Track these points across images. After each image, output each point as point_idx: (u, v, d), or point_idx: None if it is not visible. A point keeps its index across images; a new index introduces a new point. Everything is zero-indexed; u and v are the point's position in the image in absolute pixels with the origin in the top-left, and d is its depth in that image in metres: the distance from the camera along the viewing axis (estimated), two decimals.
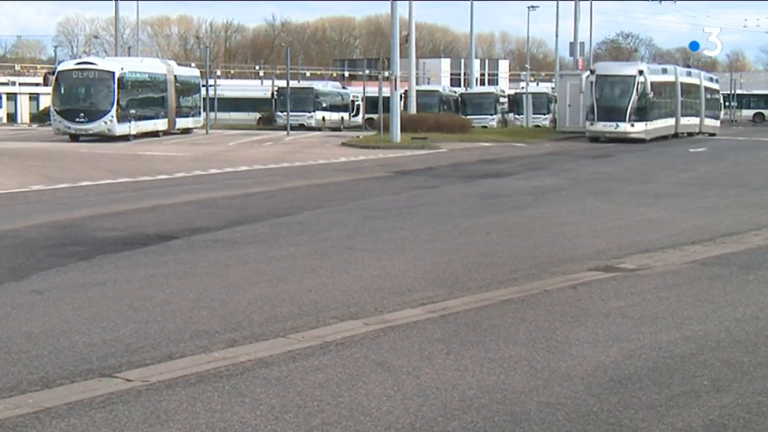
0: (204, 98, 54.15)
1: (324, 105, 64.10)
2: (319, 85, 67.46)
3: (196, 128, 52.61)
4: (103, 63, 45.22)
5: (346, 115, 67.33)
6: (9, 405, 6.50)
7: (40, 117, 64.30)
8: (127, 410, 6.39)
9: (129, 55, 63.92)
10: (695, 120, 55.13)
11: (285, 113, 54.70)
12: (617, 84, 46.20)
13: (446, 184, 23.85)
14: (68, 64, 45.73)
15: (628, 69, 47.75)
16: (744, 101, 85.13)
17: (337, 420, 6.25)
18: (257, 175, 26.21)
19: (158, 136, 46.50)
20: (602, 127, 45.43)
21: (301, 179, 24.73)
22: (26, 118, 69.60)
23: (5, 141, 41.90)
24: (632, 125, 45.32)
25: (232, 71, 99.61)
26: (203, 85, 54.68)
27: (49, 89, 47.90)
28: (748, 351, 8.07)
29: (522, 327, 8.80)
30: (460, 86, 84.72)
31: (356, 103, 68.25)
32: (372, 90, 61.99)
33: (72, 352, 7.79)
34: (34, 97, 71.96)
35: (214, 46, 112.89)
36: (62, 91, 42.85)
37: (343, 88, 72.65)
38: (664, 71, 52.31)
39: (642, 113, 46.05)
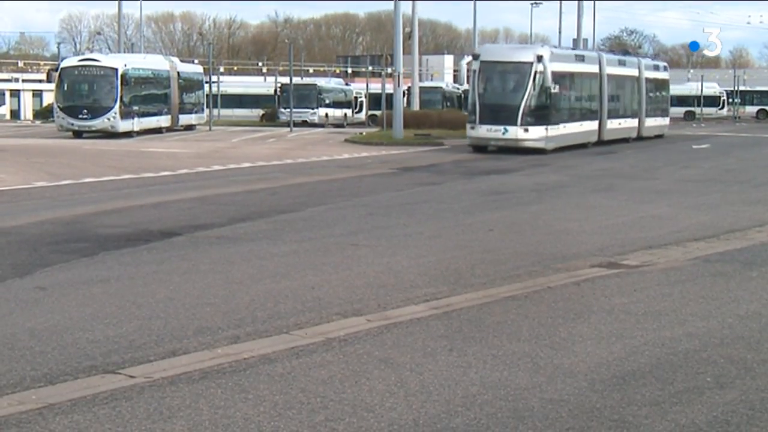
0: (207, 95, 54.18)
1: (327, 102, 64.05)
2: (321, 82, 67.43)
3: (199, 125, 52.62)
4: (107, 59, 45.23)
5: (349, 112, 67.30)
6: (12, 401, 6.51)
7: (43, 114, 64.38)
8: (131, 407, 6.40)
9: (132, 52, 63.92)
10: (630, 122, 44.22)
11: (288, 110, 54.69)
12: (508, 74, 34.54)
13: (449, 180, 23.83)
14: (71, 61, 45.75)
15: (521, 54, 35.09)
16: (747, 98, 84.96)
17: (340, 416, 6.25)
18: (260, 171, 26.21)
19: (161, 132, 46.51)
20: (486, 132, 33.85)
21: (304, 176, 24.74)
22: (29, 115, 69.68)
23: (8, 138, 41.93)
24: (526, 130, 33.49)
25: (235, 68, 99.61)
26: (206, 82, 54.69)
27: (53, 86, 47.90)
28: (751, 347, 8.06)
29: (525, 323, 8.79)
30: (463, 83, 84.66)
31: (359, 99, 68.21)
32: (375, 87, 61.96)
33: (75, 349, 7.80)
34: (38, 94, 72.05)
35: (217, 42, 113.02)
36: (65, 88, 42.88)
37: (346, 84, 72.59)
38: (580, 59, 39.58)
39: (541, 114, 34.09)
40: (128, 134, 42.69)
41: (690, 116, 75.21)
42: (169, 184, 22.22)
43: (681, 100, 76.79)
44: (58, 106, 43.11)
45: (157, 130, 46.36)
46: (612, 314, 9.21)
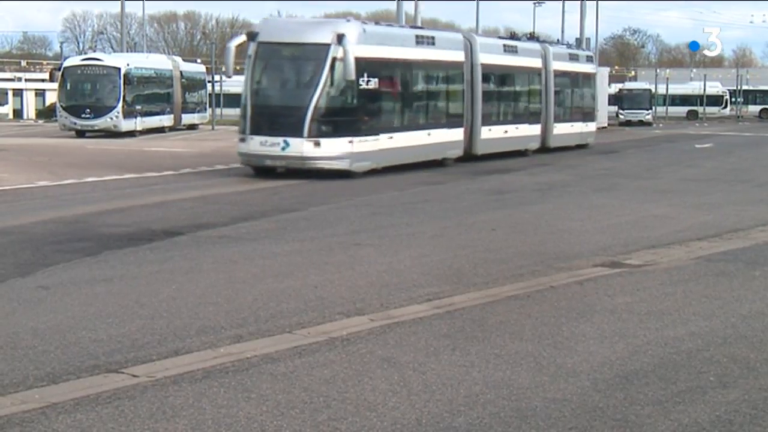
0: (210, 94, 54.15)
1: None
2: None
3: (201, 124, 52.59)
4: (109, 59, 45.24)
5: None
6: (15, 400, 6.51)
7: (46, 113, 64.33)
8: (134, 406, 6.40)
9: (135, 51, 63.93)
10: (524, 129, 32.75)
11: None
12: (296, 61, 23.88)
13: (452, 180, 23.82)
14: (74, 60, 45.76)
15: (315, 31, 23.55)
16: (750, 97, 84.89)
17: (343, 416, 6.25)
18: None
19: (164, 132, 46.48)
20: (259, 146, 22.92)
21: (303, 175, 24.69)
22: (32, 114, 69.67)
23: (11, 137, 41.94)
24: (316, 144, 22.72)
25: (237, 67, 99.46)
26: (209, 81, 54.67)
27: (55, 85, 47.88)
28: (754, 347, 8.06)
29: (528, 323, 8.79)
30: None
31: None
32: None
33: (78, 348, 7.80)
34: (40, 93, 72.01)
35: (220, 42, 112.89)
36: (68, 87, 42.89)
37: None
38: (425, 42, 27.14)
39: (345, 121, 23.45)
40: (131, 134, 42.66)
41: (693, 115, 75.17)
42: (172, 184, 22.21)
43: (684, 100, 76.84)
44: (61, 106, 43.09)
45: (160, 130, 46.33)
46: (615, 314, 9.20)
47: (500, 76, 31.98)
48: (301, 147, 22.69)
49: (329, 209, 17.52)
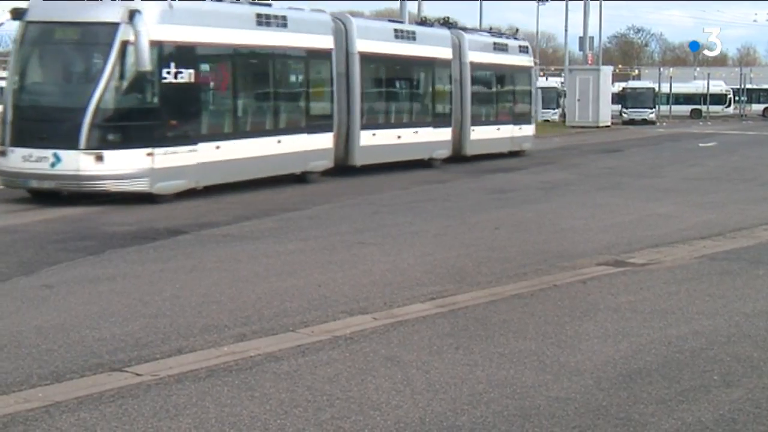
0: None
1: None
2: None
3: None
4: None
5: None
6: (19, 399, 6.51)
7: None
8: (137, 404, 6.40)
9: None
10: (429, 132, 26.61)
11: None
12: (74, 48, 18.22)
13: (455, 178, 23.82)
14: None
15: (101, 8, 17.72)
16: (754, 96, 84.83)
17: (347, 414, 6.25)
18: None
19: None
20: (22, 162, 17.21)
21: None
22: None
23: None
24: (98, 158, 16.95)
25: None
26: None
27: None
28: (758, 346, 8.05)
29: (531, 322, 8.79)
30: None
31: None
32: None
33: (82, 347, 7.80)
34: None
35: None
36: None
37: None
38: (270, 22, 20.83)
39: (141, 127, 17.68)
40: None
41: (696, 114, 75.09)
42: None
43: (687, 98, 76.74)
44: None
45: None
46: (618, 312, 9.20)
47: (389, 67, 25.66)
48: (77, 162, 16.75)
49: (332, 208, 17.52)
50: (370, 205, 17.95)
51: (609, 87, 57.41)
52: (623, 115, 64.43)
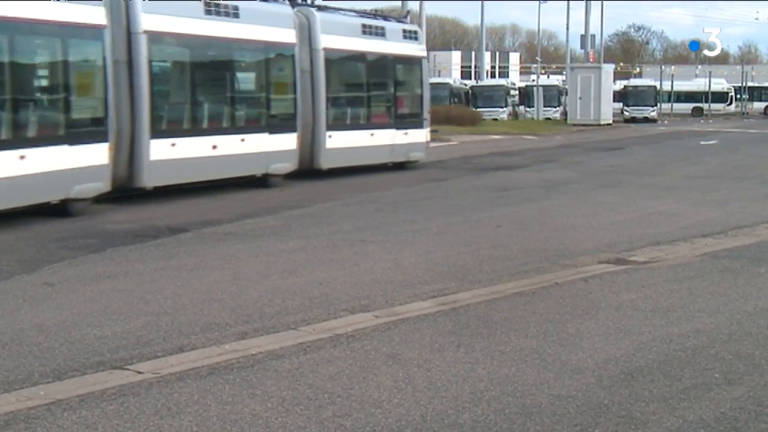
0: None
1: None
2: None
3: None
4: None
5: None
6: (21, 397, 6.52)
7: None
8: (139, 402, 6.40)
9: None
10: (262, 140, 20.03)
11: None
12: None
13: (457, 176, 23.81)
14: None
15: None
16: (755, 94, 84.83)
17: (348, 412, 6.25)
18: None
19: None
20: None
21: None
22: None
23: None
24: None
25: None
26: None
27: None
28: (759, 344, 8.05)
29: (533, 320, 8.79)
30: (470, 79, 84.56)
31: None
32: None
33: (83, 345, 7.81)
34: None
35: None
36: None
37: None
38: None
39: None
40: None
41: (698, 112, 75.09)
42: None
43: (689, 96, 76.79)
44: None
45: None
46: (620, 310, 9.19)
47: (198, 52, 19.30)
48: None
49: (334, 206, 17.52)
50: (372, 203, 17.95)
51: (610, 85, 57.39)
52: (625, 113, 64.44)
